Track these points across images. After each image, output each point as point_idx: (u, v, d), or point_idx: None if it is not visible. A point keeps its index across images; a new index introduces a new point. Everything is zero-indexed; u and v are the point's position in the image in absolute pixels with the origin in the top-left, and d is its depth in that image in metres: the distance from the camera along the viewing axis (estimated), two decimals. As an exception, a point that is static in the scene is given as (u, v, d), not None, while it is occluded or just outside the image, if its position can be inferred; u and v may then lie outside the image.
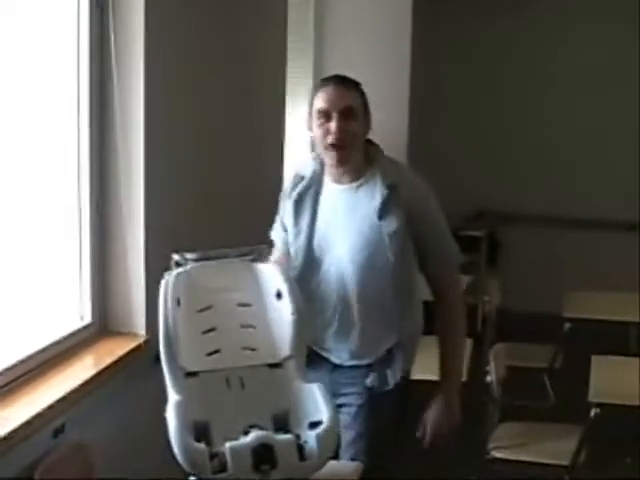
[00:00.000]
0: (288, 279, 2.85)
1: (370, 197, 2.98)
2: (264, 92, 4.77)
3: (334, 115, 2.93)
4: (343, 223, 3.02)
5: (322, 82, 3.09)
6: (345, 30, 6.50)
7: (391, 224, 2.95)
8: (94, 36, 3.27)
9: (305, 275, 3.04)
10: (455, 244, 3.15)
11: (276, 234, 3.26)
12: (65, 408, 2.87)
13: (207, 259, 2.86)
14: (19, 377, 2.91)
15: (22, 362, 2.96)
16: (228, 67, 4.17)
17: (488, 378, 4.15)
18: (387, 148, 3.09)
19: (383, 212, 2.95)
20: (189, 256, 2.84)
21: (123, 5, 3.27)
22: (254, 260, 2.93)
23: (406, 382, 3.16)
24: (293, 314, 2.74)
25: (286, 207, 3.15)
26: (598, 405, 3.79)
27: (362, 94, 3.03)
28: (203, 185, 3.90)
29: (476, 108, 7.94)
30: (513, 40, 7.78)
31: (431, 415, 3.20)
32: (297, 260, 3.08)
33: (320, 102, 2.97)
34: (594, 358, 4.51)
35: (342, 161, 2.98)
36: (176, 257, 2.84)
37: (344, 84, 3.01)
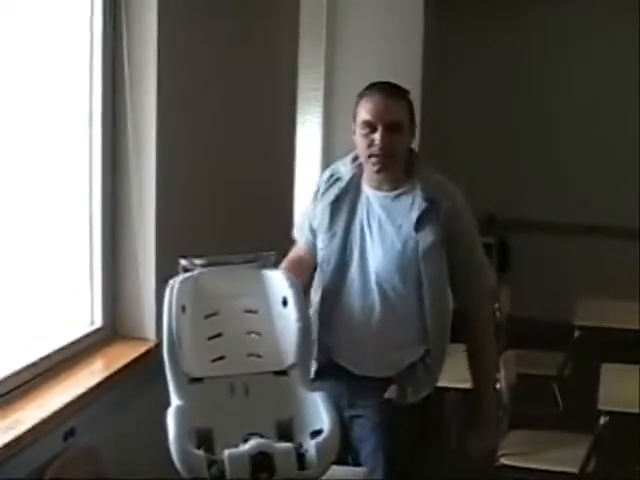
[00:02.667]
0: (294, 286, 2.84)
1: (409, 208, 2.94)
2: (276, 98, 4.78)
3: (379, 128, 2.89)
4: (378, 231, 2.97)
5: (369, 89, 3.00)
6: (356, 37, 6.49)
7: (427, 238, 2.90)
8: (107, 48, 3.29)
9: (335, 278, 3.01)
10: (489, 264, 3.14)
11: (301, 234, 3.23)
12: (75, 411, 2.88)
13: (214, 265, 2.87)
14: (30, 380, 2.92)
15: (33, 365, 2.97)
16: (240, 73, 4.17)
17: (498, 385, 4.14)
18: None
19: (420, 225, 2.91)
20: (197, 262, 2.84)
21: (136, 17, 3.29)
22: (261, 267, 2.93)
23: (428, 400, 3.12)
24: (298, 322, 2.73)
25: (319, 208, 3.09)
26: (607, 413, 3.79)
27: (409, 103, 2.99)
28: (214, 191, 3.91)
29: (488, 114, 7.92)
30: (526, 45, 7.76)
31: (479, 435, 3.21)
32: (329, 264, 3.03)
33: (365, 113, 2.92)
34: (604, 366, 4.50)
35: (383, 170, 2.94)
36: (184, 262, 2.84)
37: (392, 95, 2.96)
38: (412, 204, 2.93)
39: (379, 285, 2.95)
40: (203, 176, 3.80)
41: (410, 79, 6.45)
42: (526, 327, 6.10)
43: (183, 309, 2.66)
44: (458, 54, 7.76)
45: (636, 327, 5.32)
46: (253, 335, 2.77)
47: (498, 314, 5.43)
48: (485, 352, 3.13)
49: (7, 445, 2.51)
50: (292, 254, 3.19)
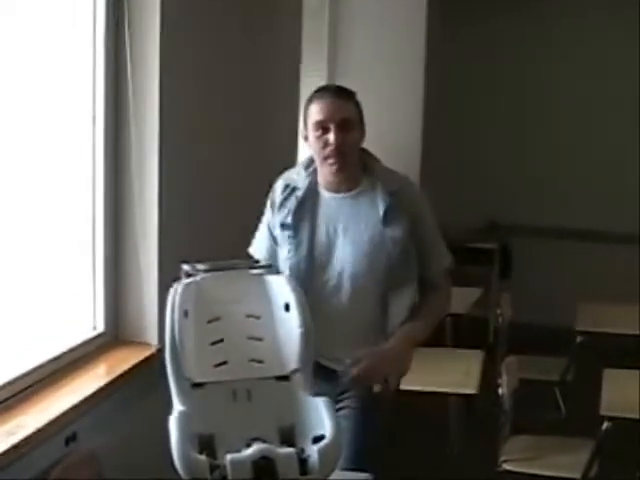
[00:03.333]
0: (296, 291, 2.84)
1: (371, 204, 3.03)
2: (278, 100, 4.79)
3: (332, 127, 2.97)
4: (344, 231, 3.05)
5: (317, 93, 3.10)
6: (359, 37, 6.51)
7: (395, 230, 3.00)
8: (110, 49, 3.30)
9: (307, 285, 2.97)
10: (446, 249, 3.21)
11: (258, 247, 3.26)
12: (77, 416, 2.88)
13: (217, 270, 2.87)
14: (32, 385, 2.93)
15: (35, 370, 2.97)
16: (243, 72, 4.18)
17: (500, 391, 4.14)
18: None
19: (387, 219, 3.00)
20: (199, 267, 2.84)
21: (138, 18, 3.30)
22: (264, 272, 2.93)
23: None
24: (301, 327, 2.73)
25: (278, 219, 3.16)
26: (610, 419, 3.79)
27: (357, 104, 3.07)
28: (218, 196, 3.92)
29: (489, 119, 7.93)
30: (527, 51, 7.77)
31: (370, 351, 3.04)
32: (299, 271, 3.08)
33: (317, 114, 3.00)
34: (606, 371, 4.50)
35: (340, 170, 3.02)
36: (186, 267, 2.84)
37: (340, 95, 3.04)
38: (374, 200, 3.02)
39: (352, 284, 3.03)
40: (206, 181, 3.81)
41: (413, 83, 6.49)
42: (528, 332, 6.10)
43: (185, 314, 2.66)
44: (460, 59, 7.76)
45: (638, 332, 5.32)
46: (255, 340, 2.77)
47: (500, 319, 5.44)
48: (432, 309, 3.16)
49: (9, 450, 2.51)
50: None
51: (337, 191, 3.09)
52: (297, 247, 3.08)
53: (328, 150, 2.99)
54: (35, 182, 3.04)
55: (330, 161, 3.00)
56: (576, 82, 7.73)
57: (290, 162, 5.09)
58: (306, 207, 3.10)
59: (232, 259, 2.92)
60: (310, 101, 3.07)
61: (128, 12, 3.29)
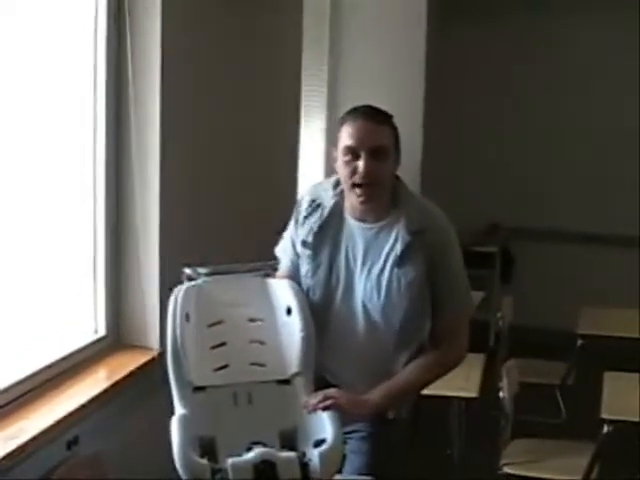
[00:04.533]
0: (298, 295, 2.84)
1: (393, 241, 2.83)
2: (279, 108, 4.79)
3: (363, 154, 2.75)
4: (362, 263, 2.87)
5: (350, 114, 2.84)
6: (360, 45, 6.51)
7: (409, 272, 2.80)
8: (111, 50, 3.31)
9: (320, 309, 2.91)
10: (469, 292, 2.99)
11: (283, 252, 3.09)
12: (78, 420, 2.89)
13: (219, 274, 2.87)
14: (33, 389, 2.93)
15: (37, 374, 2.98)
16: (243, 81, 4.19)
17: (501, 394, 4.14)
18: (401, 163, 3.00)
19: (403, 259, 2.80)
20: (201, 270, 2.85)
21: (140, 19, 3.31)
22: (265, 275, 2.93)
23: (417, 407, 3.08)
24: (302, 331, 2.74)
25: (301, 234, 2.97)
26: (611, 422, 3.78)
27: (394, 128, 2.84)
28: (218, 199, 3.92)
29: (490, 122, 7.93)
30: (527, 55, 7.77)
31: (342, 391, 2.81)
32: (315, 294, 2.92)
33: (348, 138, 2.77)
34: (607, 375, 4.50)
35: (368, 200, 2.81)
36: (188, 271, 2.85)
37: (375, 118, 2.81)
38: (396, 238, 2.83)
39: (365, 315, 2.87)
40: (208, 185, 3.81)
41: (413, 86, 6.50)
42: (529, 336, 6.10)
43: (187, 317, 2.67)
44: (460, 63, 7.76)
45: (639, 335, 5.31)
46: (257, 344, 2.77)
47: (501, 323, 5.43)
48: (427, 370, 2.93)
49: (11, 454, 2.52)
50: (278, 277, 3.10)
51: (362, 220, 2.88)
52: (315, 270, 2.92)
53: (356, 178, 2.77)
54: (36, 185, 3.05)
55: (358, 191, 2.79)
56: (577, 83, 7.73)
57: (291, 164, 5.11)
58: (329, 229, 2.91)
59: (233, 262, 2.93)
60: (342, 122, 2.85)
61: (129, 13, 3.30)
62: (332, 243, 2.91)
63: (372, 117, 2.80)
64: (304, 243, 2.95)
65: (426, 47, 6.54)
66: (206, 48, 3.74)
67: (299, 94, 5.23)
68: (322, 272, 2.91)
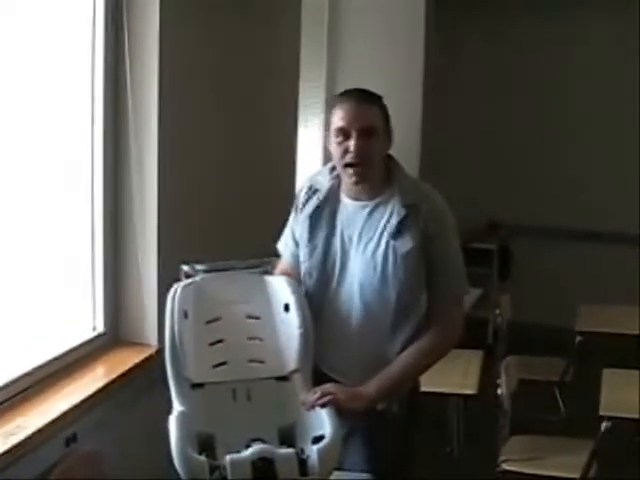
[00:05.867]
0: (296, 292, 2.84)
1: (388, 216, 2.88)
2: (277, 105, 4.79)
3: (353, 134, 2.82)
4: (358, 241, 2.91)
5: (341, 97, 2.94)
6: (358, 43, 6.51)
7: (405, 244, 2.83)
8: (109, 51, 3.31)
9: (317, 292, 2.95)
10: (464, 275, 2.98)
11: (284, 246, 3.14)
12: (77, 417, 2.89)
13: (216, 270, 2.87)
14: (32, 386, 2.93)
15: (35, 371, 2.98)
16: (241, 80, 4.18)
17: (499, 391, 4.14)
18: (399, 158, 3.01)
19: (398, 232, 2.84)
20: (198, 267, 2.85)
21: (138, 20, 3.31)
22: (263, 272, 2.93)
23: (412, 401, 3.03)
24: (300, 328, 2.74)
25: (299, 221, 3.04)
26: (609, 419, 3.78)
27: (383, 109, 2.91)
28: (216, 197, 3.92)
29: (489, 119, 7.93)
30: (526, 53, 7.77)
31: (339, 385, 2.82)
32: (311, 277, 2.96)
33: (339, 120, 2.85)
34: (605, 371, 4.50)
35: (361, 179, 2.88)
36: (185, 268, 2.84)
37: (364, 100, 2.88)
38: (391, 212, 2.87)
39: (362, 296, 2.89)
40: (205, 182, 3.81)
41: (412, 84, 6.50)
42: (527, 332, 6.11)
43: (185, 315, 2.67)
44: (459, 60, 7.77)
45: (637, 332, 5.32)
46: (255, 341, 2.77)
47: (499, 320, 5.44)
48: (422, 356, 2.92)
49: (9, 451, 2.52)
50: (278, 272, 3.12)
51: (357, 199, 2.94)
52: (311, 252, 2.97)
53: (348, 158, 2.84)
54: (34, 183, 3.05)
55: (350, 170, 2.87)
56: (577, 83, 7.73)
57: (289, 162, 5.11)
58: (325, 212, 2.97)
59: (232, 260, 2.93)
60: (333, 105, 2.94)
61: (127, 12, 3.30)
62: (328, 225, 2.96)
63: (361, 99, 2.89)
64: (302, 228, 3.00)
65: (425, 44, 6.53)
66: (204, 47, 3.74)
67: (297, 95, 5.22)
68: (318, 254, 2.96)
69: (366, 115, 2.85)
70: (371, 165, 2.88)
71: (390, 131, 2.94)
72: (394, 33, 6.51)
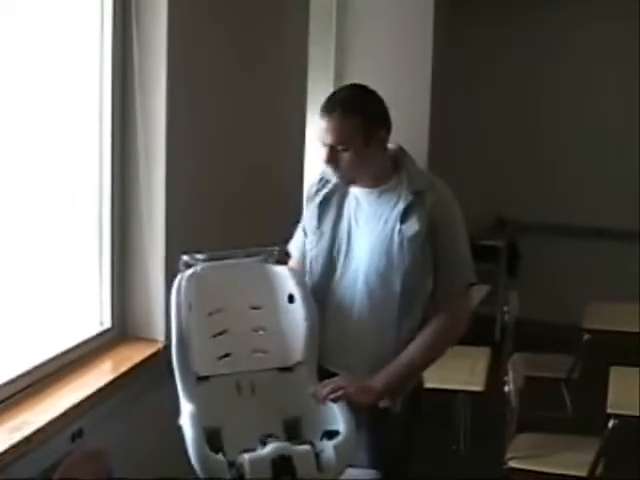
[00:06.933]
0: (301, 283, 2.84)
1: (395, 201, 2.90)
2: (285, 101, 4.78)
3: (326, 147, 2.86)
4: (364, 226, 2.94)
5: (323, 105, 2.90)
6: (366, 39, 6.50)
7: (411, 227, 2.85)
8: (117, 49, 3.31)
9: (322, 278, 2.97)
10: (471, 264, 2.98)
11: (294, 245, 3.16)
12: (83, 412, 2.89)
13: (216, 259, 2.86)
14: (38, 381, 2.93)
15: (42, 366, 2.98)
16: (249, 76, 4.17)
17: (506, 388, 4.14)
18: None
19: (405, 216, 2.86)
20: (198, 256, 2.83)
21: (146, 19, 3.30)
22: (264, 261, 2.92)
23: (416, 398, 3.03)
24: (306, 320, 2.73)
25: (309, 210, 3.07)
26: (616, 416, 3.77)
27: (360, 116, 2.84)
28: (224, 191, 3.91)
29: (497, 117, 7.92)
30: (533, 49, 7.76)
31: (348, 379, 2.82)
32: (317, 263, 2.99)
33: (319, 128, 2.90)
34: (612, 369, 4.49)
35: (347, 183, 2.96)
36: (185, 258, 2.83)
37: (336, 113, 2.83)
38: (398, 198, 2.90)
39: (366, 281, 2.90)
40: (212, 177, 3.81)
41: (420, 82, 6.49)
42: (535, 330, 6.10)
43: (190, 307, 2.66)
44: (467, 59, 7.75)
45: (645, 330, 5.31)
46: (259, 331, 2.77)
47: (506, 317, 5.43)
48: (430, 346, 2.91)
49: (15, 446, 2.52)
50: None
51: (365, 186, 2.97)
52: (319, 239, 3.00)
53: (327, 165, 2.92)
54: (43, 179, 3.05)
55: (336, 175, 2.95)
56: (581, 81, 7.71)
57: (298, 160, 5.10)
58: (333, 200, 3.01)
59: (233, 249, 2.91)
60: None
61: (136, 10, 3.30)
62: (335, 213, 3.00)
63: (331, 112, 2.85)
64: (311, 216, 3.04)
65: (433, 43, 6.52)
66: (212, 45, 3.73)
67: (305, 92, 5.21)
68: (325, 241, 2.98)
69: (337, 130, 2.84)
70: (351, 173, 2.91)
71: (371, 134, 2.87)
72: (402, 30, 6.50)
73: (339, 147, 2.84)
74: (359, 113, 2.86)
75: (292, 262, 3.14)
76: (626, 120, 7.58)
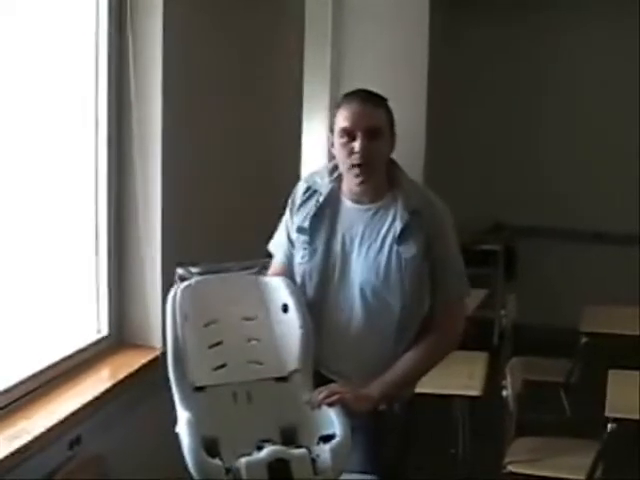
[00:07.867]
0: (294, 292, 2.84)
1: (391, 220, 2.86)
2: (281, 108, 4.79)
3: (358, 135, 2.79)
4: (360, 245, 2.89)
5: (346, 98, 2.91)
6: (362, 41, 6.52)
7: (410, 249, 2.83)
8: (112, 50, 3.32)
9: (317, 294, 2.93)
10: (464, 276, 2.98)
11: (277, 246, 3.10)
12: (81, 420, 2.89)
13: (211, 272, 2.86)
14: (36, 389, 2.93)
15: (39, 374, 2.98)
16: (245, 83, 4.18)
17: (504, 392, 4.14)
18: (404, 159, 2.99)
19: (403, 237, 2.83)
20: (193, 270, 2.84)
21: (141, 20, 3.31)
22: (258, 273, 2.92)
23: (412, 403, 3.04)
24: (301, 328, 2.74)
25: (296, 221, 3.00)
26: (615, 420, 3.77)
27: (388, 111, 2.89)
28: (219, 200, 3.91)
29: (494, 121, 7.92)
30: (529, 56, 7.76)
31: (345, 385, 2.80)
32: (311, 279, 2.94)
33: (344, 120, 2.82)
34: (611, 373, 4.49)
35: (366, 179, 2.85)
36: (180, 271, 2.83)
37: (370, 101, 2.86)
38: (394, 216, 2.86)
39: (363, 298, 2.88)
40: (209, 185, 3.81)
41: (416, 86, 6.50)
42: (533, 334, 6.09)
43: (186, 318, 2.67)
44: (464, 60, 7.76)
45: (643, 333, 5.31)
46: (253, 342, 2.77)
47: (504, 321, 5.43)
48: (426, 358, 2.92)
49: (13, 454, 2.53)
50: (270, 272, 3.04)
51: (359, 202, 2.92)
52: (312, 254, 2.93)
53: (353, 159, 2.82)
54: (38, 185, 3.05)
55: (355, 171, 2.84)
56: (579, 84, 7.73)
57: (293, 163, 5.10)
58: (325, 214, 2.94)
59: (234, 262, 2.92)
60: (338, 106, 2.91)
61: (131, 12, 3.30)
62: (328, 228, 2.94)
63: (367, 100, 2.86)
64: (300, 229, 2.97)
65: (429, 45, 6.53)
66: (207, 46, 3.74)
67: (301, 94, 5.22)
68: (318, 257, 2.93)
69: (372, 116, 2.83)
70: (376, 166, 2.87)
71: (394, 134, 2.92)
72: (399, 31, 6.51)
73: (373, 133, 2.80)
74: (388, 110, 2.90)
75: (275, 264, 3.07)
76: (625, 123, 7.59)
